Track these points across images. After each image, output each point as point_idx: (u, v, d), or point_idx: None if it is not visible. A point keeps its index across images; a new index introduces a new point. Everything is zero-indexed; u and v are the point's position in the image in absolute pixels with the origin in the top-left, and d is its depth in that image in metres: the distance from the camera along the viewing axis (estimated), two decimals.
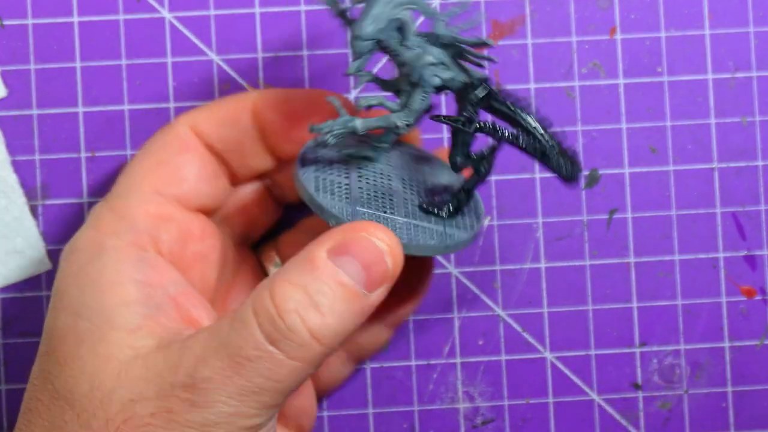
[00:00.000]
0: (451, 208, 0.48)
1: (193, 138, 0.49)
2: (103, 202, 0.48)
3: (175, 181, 0.48)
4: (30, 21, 0.55)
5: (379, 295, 0.44)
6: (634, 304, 0.56)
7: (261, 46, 0.55)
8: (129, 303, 0.45)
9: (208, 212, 0.50)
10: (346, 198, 0.46)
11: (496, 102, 0.47)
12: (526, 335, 0.56)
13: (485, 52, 0.49)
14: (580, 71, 0.56)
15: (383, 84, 0.48)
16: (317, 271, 0.43)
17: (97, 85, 0.55)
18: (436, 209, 0.48)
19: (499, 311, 0.56)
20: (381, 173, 0.49)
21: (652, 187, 0.56)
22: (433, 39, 0.46)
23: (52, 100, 0.55)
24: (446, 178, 0.50)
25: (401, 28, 0.45)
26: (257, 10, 0.55)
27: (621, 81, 0.56)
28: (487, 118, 0.47)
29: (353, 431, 0.56)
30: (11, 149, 0.55)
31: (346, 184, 0.47)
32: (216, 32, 0.55)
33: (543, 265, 0.56)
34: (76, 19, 0.55)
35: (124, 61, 0.55)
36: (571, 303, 0.56)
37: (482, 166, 0.47)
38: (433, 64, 0.46)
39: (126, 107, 0.55)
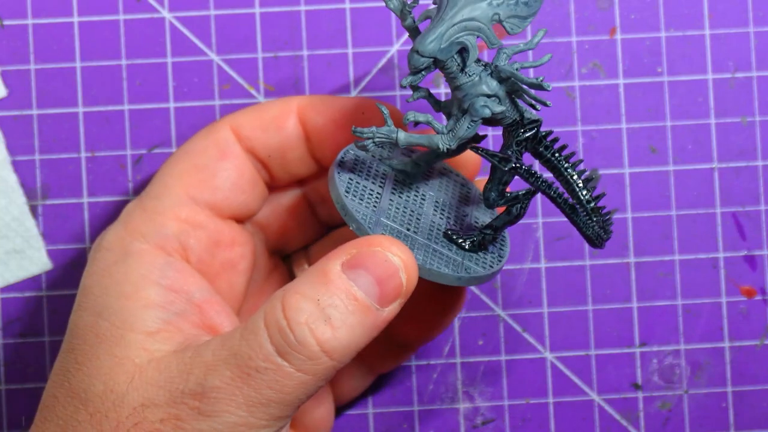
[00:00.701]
0: (475, 241, 0.48)
1: (234, 143, 0.49)
2: (137, 201, 0.48)
3: (210, 188, 0.48)
4: (30, 21, 0.55)
5: (392, 310, 0.43)
6: (634, 304, 0.56)
7: (261, 46, 0.55)
8: (150, 306, 0.45)
9: (241, 219, 0.50)
10: (374, 207, 0.46)
11: (542, 147, 0.46)
12: (526, 335, 0.56)
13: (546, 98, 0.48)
14: (580, 71, 0.56)
15: (435, 103, 0.47)
16: (330, 284, 0.43)
17: (97, 85, 0.55)
18: (459, 239, 0.47)
19: (499, 311, 0.56)
20: (416, 192, 0.48)
21: (652, 187, 0.56)
22: (491, 70, 0.45)
23: (52, 100, 0.55)
24: (482, 212, 0.50)
25: (463, 52, 0.44)
26: (257, 10, 0.55)
27: (621, 81, 0.56)
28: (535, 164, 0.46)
29: (353, 431, 0.56)
30: (11, 149, 0.55)
31: (378, 194, 0.47)
32: (216, 32, 0.55)
33: (543, 265, 0.56)
34: (76, 19, 0.55)
35: (124, 61, 0.55)
36: (571, 303, 0.56)
37: (515, 207, 0.47)
38: (486, 95, 0.45)
39: (126, 107, 0.55)
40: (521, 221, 0.56)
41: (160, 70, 0.55)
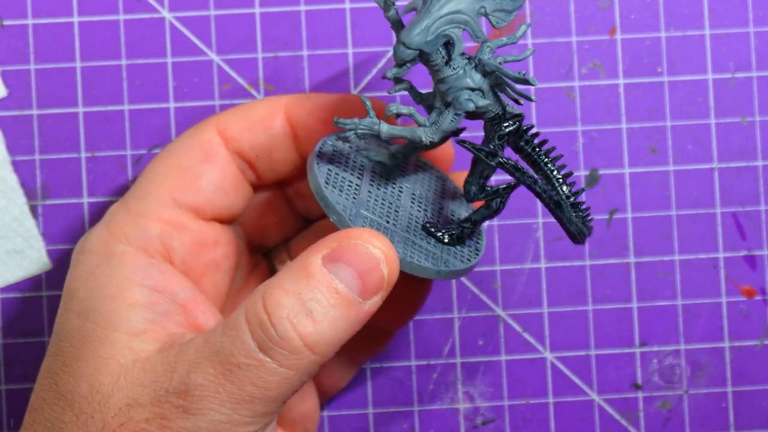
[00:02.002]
0: (453, 235, 0.48)
1: (219, 145, 0.49)
2: (121, 202, 0.48)
3: (193, 191, 0.48)
4: (30, 21, 0.55)
5: (374, 303, 0.43)
6: (634, 304, 0.56)
7: (261, 46, 0.55)
8: (135, 307, 0.45)
9: (225, 221, 0.50)
10: (354, 198, 0.46)
11: (523, 141, 0.46)
12: (526, 335, 0.56)
13: (532, 92, 0.48)
14: (580, 71, 0.56)
15: (417, 96, 0.47)
16: (311, 278, 0.42)
17: (97, 85, 0.55)
18: (438, 233, 0.47)
19: (499, 311, 0.56)
20: (394, 184, 0.48)
21: (652, 187, 0.56)
22: (476, 63, 0.45)
23: (52, 100, 0.55)
24: (458, 205, 0.50)
25: (448, 45, 0.44)
26: (257, 10, 0.55)
27: (621, 81, 0.56)
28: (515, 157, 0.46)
29: (353, 431, 0.56)
30: (11, 149, 0.55)
31: (357, 185, 0.47)
32: (216, 32, 0.55)
33: (543, 265, 0.56)
34: (76, 19, 0.55)
35: (124, 61, 0.55)
36: (571, 303, 0.56)
37: (495, 201, 0.47)
38: (471, 89, 0.45)
39: (126, 107, 0.55)
40: (521, 221, 0.56)
41: (160, 70, 0.55)
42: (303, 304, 0.42)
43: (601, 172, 0.56)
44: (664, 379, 0.56)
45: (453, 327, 0.56)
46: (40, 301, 0.55)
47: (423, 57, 0.44)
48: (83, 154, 0.55)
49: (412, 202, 0.48)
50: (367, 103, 0.46)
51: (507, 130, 0.46)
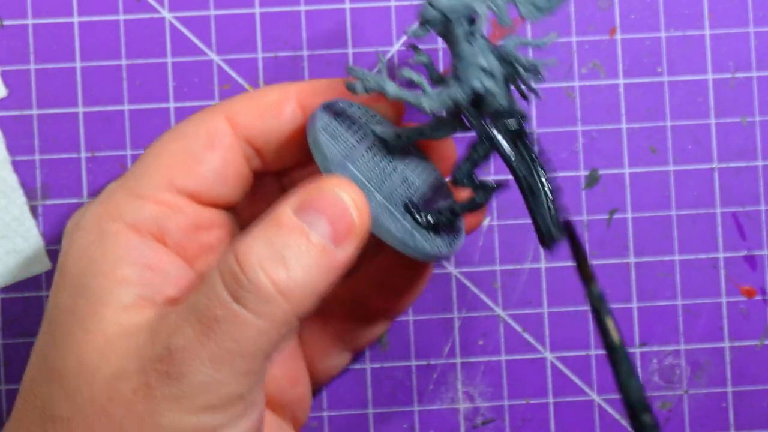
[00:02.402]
0: (431, 220, 0.47)
1: (226, 132, 0.48)
2: (120, 180, 0.48)
3: (193, 176, 0.47)
4: (30, 21, 0.55)
5: (348, 251, 0.43)
6: (634, 304, 0.56)
7: (261, 46, 0.55)
8: (126, 283, 0.44)
9: (221, 207, 0.50)
10: (345, 153, 0.46)
11: (520, 141, 0.46)
12: (526, 335, 0.56)
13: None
14: (580, 71, 0.56)
15: (434, 73, 0.47)
16: (282, 226, 0.43)
17: (97, 85, 0.55)
18: (416, 214, 0.47)
19: (499, 311, 0.56)
20: (389, 161, 0.48)
21: (652, 187, 0.56)
22: (495, 50, 0.45)
23: (52, 100, 0.55)
24: (444, 199, 0.50)
25: (473, 21, 0.44)
26: (257, 10, 0.55)
27: (621, 81, 0.56)
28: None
29: (353, 431, 0.56)
30: (11, 149, 0.55)
31: (353, 145, 0.47)
32: (216, 32, 0.55)
33: (543, 265, 0.56)
34: (76, 19, 0.55)
35: (124, 61, 0.55)
36: (571, 303, 0.56)
37: (479, 196, 0.47)
38: (483, 69, 0.45)
39: (126, 107, 0.55)
40: (521, 221, 0.56)
41: (160, 70, 0.55)
42: (275, 251, 0.42)
43: (601, 172, 0.56)
44: (664, 379, 0.56)
45: (453, 327, 0.56)
46: (40, 301, 0.55)
47: (446, 27, 0.44)
48: (83, 154, 0.55)
49: (402, 183, 0.48)
50: (382, 61, 0.46)
51: (510, 127, 0.45)
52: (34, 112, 0.55)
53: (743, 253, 0.56)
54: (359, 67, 0.46)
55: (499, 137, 0.45)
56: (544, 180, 0.45)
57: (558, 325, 0.56)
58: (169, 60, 0.55)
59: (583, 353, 0.56)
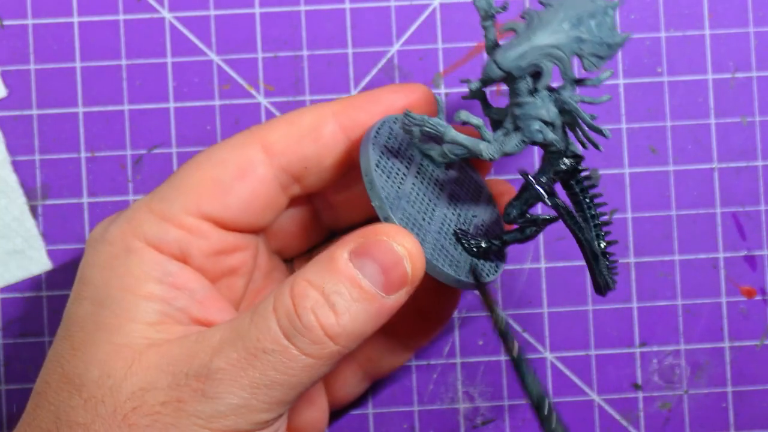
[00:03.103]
0: (481, 248, 0.48)
1: (260, 162, 0.48)
2: (147, 199, 0.47)
3: (220, 204, 0.47)
4: (30, 21, 0.55)
5: (398, 298, 0.44)
6: (634, 304, 0.56)
7: (261, 46, 0.55)
8: (152, 299, 0.45)
9: (247, 233, 0.49)
10: (398, 187, 0.46)
11: (574, 181, 0.47)
12: (526, 335, 0.56)
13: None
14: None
15: (486, 107, 0.47)
16: (336, 271, 0.44)
17: (97, 85, 0.55)
18: (465, 242, 0.48)
19: (499, 311, 0.56)
20: (437, 181, 0.48)
21: (652, 187, 0.56)
22: (555, 97, 0.45)
23: (52, 100, 0.55)
24: (489, 217, 0.50)
25: (537, 76, 0.45)
26: (257, 10, 0.55)
27: (621, 81, 0.56)
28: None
29: (353, 431, 0.56)
30: (11, 149, 0.55)
31: (404, 175, 0.47)
32: (216, 32, 0.55)
33: (543, 265, 0.56)
34: (76, 19, 0.55)
35: (124, 61, 0.55)
36: (571, 303, 0.56)
37: (529, 229, 0.47)
38: (543, 121, 0.45)
39: (126, 107, 0.55)
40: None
41: (160, 70, 0.55)
42: (327, 296, 0.43)
43: (601, 172, 0.56)
44: (664, 379, 0.56)
45: (453, 327, 0.56)
46: (40, 301, 0.55)
47: (508, 79, 0.45)
48: (83, 154, 0.55)
49: (449, 205, 0.48)
50: (440, 104, 0.46)
51: (564, 167, 0.46)
52: (34, 112, 0.55)
53: (743, 253, 0.56)
54: (413, 113, 0.46)
55: (564, 208, 0.46)
56: (603, 243, 0.47)
57: (558, 325, 0.56)
58: (169, 60, 0.55)
59: (583, 353, 0.56)
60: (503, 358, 0.56)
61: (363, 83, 0.56)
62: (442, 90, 0.56)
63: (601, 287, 0.47)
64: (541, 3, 0.45)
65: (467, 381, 0.56)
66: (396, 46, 0.56)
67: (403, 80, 0.56)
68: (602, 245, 0.47)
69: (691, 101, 0.56)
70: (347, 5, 0.55)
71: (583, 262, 0.56)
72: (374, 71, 0.56)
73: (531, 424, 0.56)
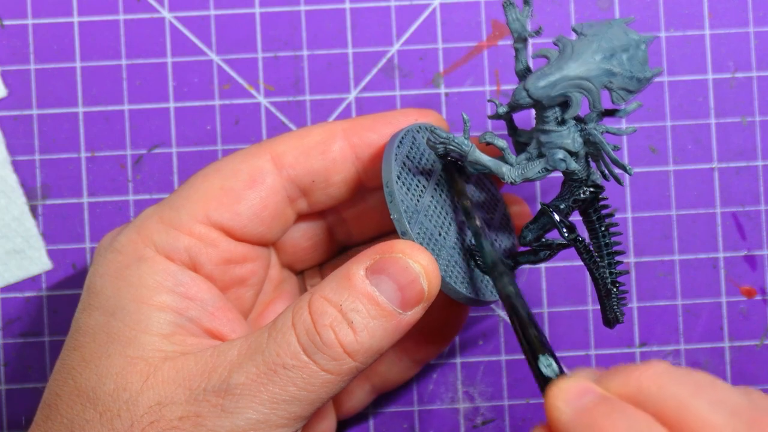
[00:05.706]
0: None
1: (270, 173, 0.48)
2: (157, 207, 0.48)
3: (230, 213, 0.47)
4: (30, 21, 0.55)
5: (414, 314, 0.45)
6: (634, 304, 0.56)
7: (261, 46, 0.55)
8: (165, 310, 0.45)
9: (257, 244, 0.49)
10: (417, 201, 0.47)
11: (592, 210, 0.47)
12: None
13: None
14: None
15: (511, 127, 0.47)
16: (353, 289, 0.44)
17: (97, 85, 0.55)
18: (479, 260, 0.48)
19: (499, 311, 0.56)
20: (453, 196, 0.49)
21: (652, 187, 0.56)
22: (581, 128, 0.46)
23: (52, 100, 0.55)
24: (503, 234, 0.51)
25: (565, 105, 0.45)
26: (257, 10, 0.55)
27: None
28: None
29: (353, 431, 0.56)
30: (11, 149, 0.55)
31: (423, 188, 0.47)
32: (216, 32, 0.55)
33: (543, 265, 0.56)
34: (76, 19, 0.55)
35: (124, 61, 0.55)
36: (571, 303, 0.56)
37: (543, 253, 0.48)
38: (568, 151, 0.45)
39: (126, 107, 0.55)
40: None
41: (160, 70, 0.55)
42: (344, 313, 0.43)
43: None
44: None
45: None
46: (40, 301, 0.55)
47: (537, 106, 0.45)
48: (83, 154, 0.55)
49: (465, 218, 0.48)
50: (467, 124, 0.46)
51: (583, 196, 0.46)
52: (34, 112, 0.55)
53: (743, 253, 0.56)
54: (439, 130, 0.46)
55: (582, 244, 0.47)
56: (618, 283, 0.47)
57: (558, 325, 0.56)
58: (169, 60, 0.55)
59: (582, 353, 0.56)
60: (503, 357, 0.56)
61: (363, 83, 0.56)
62: (442, 90, 0.56)
63: (611, 321, 0.48)
64: (576, 32, 0.45)
65: (467, 381, 0.56)
66: (396, 46, 0.56)
67: (403, 80, 0.56)
68: (613, 276, 0.47)
69: (691, 101, 0.56)
70: (347, 5, 0.55)
71: (582, 262, 0.56)
72: (374, 71, 0.56)
73: (531, 424, 0.56)
